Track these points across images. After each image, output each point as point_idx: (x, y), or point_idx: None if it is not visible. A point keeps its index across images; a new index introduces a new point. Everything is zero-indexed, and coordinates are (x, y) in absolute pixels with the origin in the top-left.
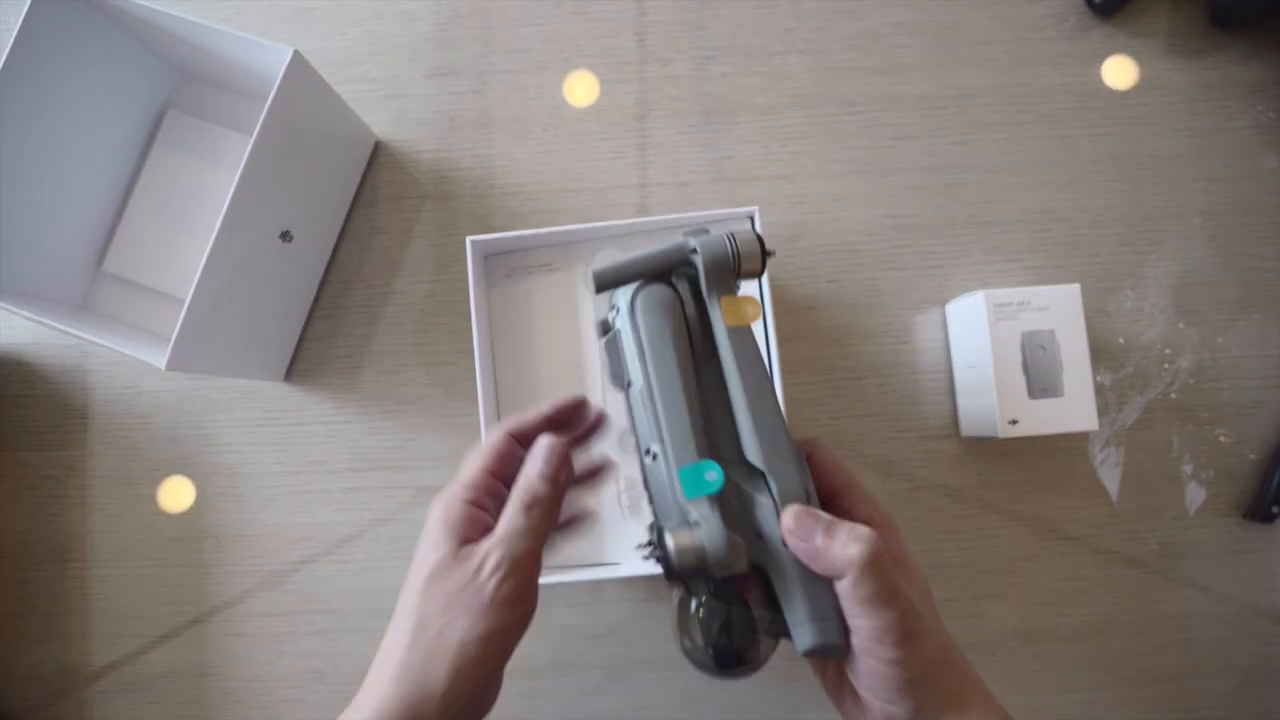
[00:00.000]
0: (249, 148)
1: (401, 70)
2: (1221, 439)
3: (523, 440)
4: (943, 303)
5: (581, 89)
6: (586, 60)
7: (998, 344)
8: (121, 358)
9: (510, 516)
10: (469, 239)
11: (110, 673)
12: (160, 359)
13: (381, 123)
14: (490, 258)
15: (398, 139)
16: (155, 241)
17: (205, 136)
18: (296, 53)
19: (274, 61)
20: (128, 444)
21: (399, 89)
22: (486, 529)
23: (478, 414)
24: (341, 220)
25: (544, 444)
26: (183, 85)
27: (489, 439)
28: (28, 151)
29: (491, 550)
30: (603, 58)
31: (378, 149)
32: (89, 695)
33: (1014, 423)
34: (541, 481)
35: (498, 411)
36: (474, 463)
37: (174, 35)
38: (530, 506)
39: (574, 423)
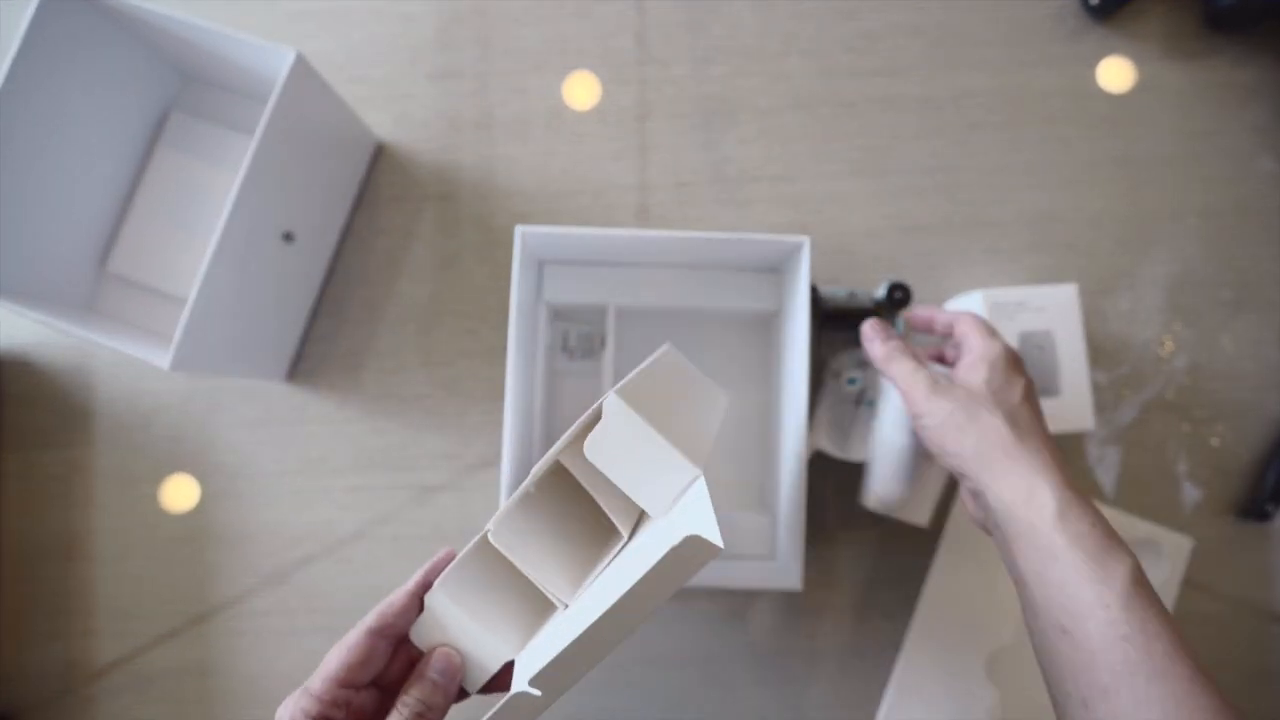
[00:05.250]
0: (251, 149)
1: (403, 72)
2: (1217, 439)
3: (386, 633)
4: (940, 303)
5: (582, 90)
6: (587, 61)
7: None
8: (125, 358)
9: None
10: (519, 229)
11: (114, 670)
12: (163, 359)
13: (383, 124)
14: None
15: (399, 140)
16: (159, 242)
17: (208, 138)
18: (299, 54)
19: (276, 63)
20: (131, 443)
21: (400, 90)
22: None
23: (478, 413)
24: (343, 221)
25: (441, 655)
26: (186, 87)
27: (346, 641)
28: (33, 153)
29: None
30: (603, 58)
31: (379, 150)
32: (93, 693)
33: None
34: (436, 691)
35: (523, 413)
36: (325, 669)
37: (177, 38)
38: (422, 715)
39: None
